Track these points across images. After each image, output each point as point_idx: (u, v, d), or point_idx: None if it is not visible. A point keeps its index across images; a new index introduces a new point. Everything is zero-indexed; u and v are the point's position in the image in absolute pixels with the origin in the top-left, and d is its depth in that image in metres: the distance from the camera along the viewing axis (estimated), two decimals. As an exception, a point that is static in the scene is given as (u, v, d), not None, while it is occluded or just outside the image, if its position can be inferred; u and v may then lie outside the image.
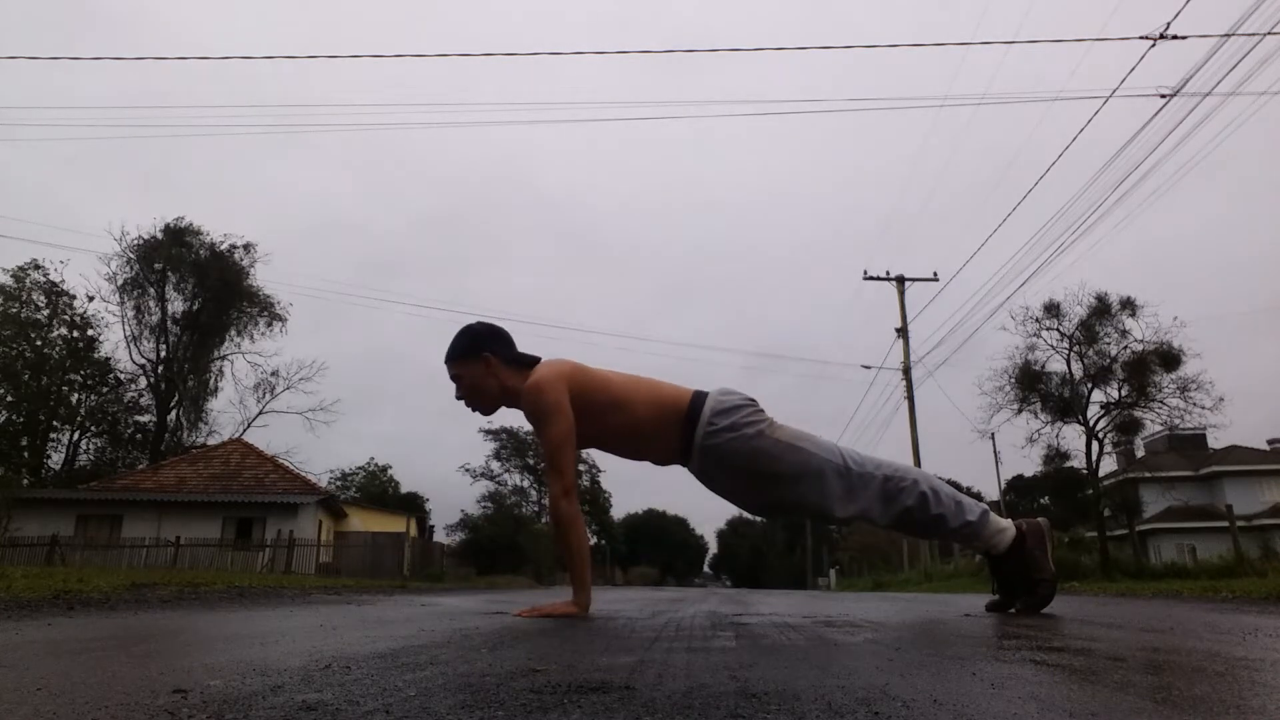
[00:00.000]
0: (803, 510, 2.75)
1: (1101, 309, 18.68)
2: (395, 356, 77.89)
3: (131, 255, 31.48)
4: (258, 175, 77.19)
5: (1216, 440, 24.49)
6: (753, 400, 2.73)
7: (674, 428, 2.68)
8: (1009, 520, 2.71)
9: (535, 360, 2.78)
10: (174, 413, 32.67)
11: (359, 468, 46.34)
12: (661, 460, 2.82)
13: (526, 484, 49.33)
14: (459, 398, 2.85)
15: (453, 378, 2.82)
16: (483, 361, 2.74)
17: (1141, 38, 10.59)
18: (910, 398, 23.76)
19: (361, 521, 28.04)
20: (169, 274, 32.10)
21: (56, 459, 31.93)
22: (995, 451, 35.96)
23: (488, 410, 2.86)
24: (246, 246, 33.14)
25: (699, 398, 2.70)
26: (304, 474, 28.35)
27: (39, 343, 30.74)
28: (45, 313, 31.29)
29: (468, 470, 47.74)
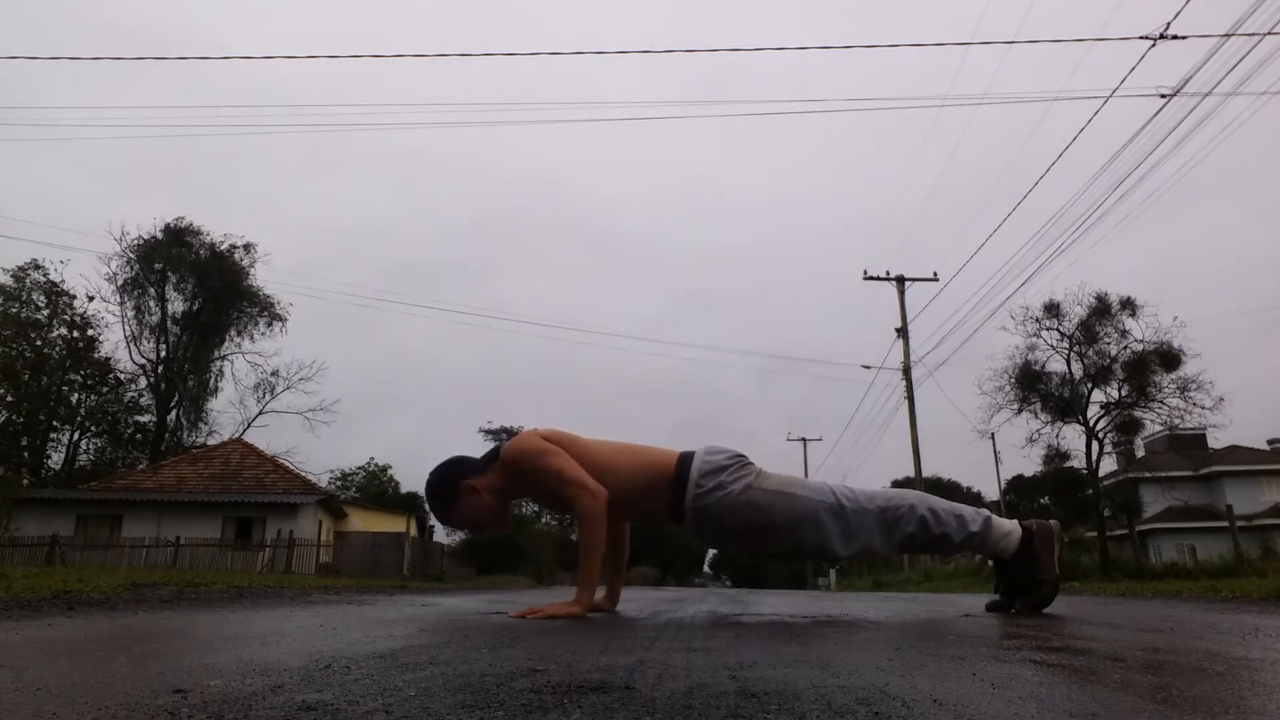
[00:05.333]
0: (804, 554, 2.77)
1: (1101, 309, 18.69)
2: (400, 359, 77.94)
3: (131, 255, 31.53)
4: (284, 182, 77.30)
5: (1216, 440, 24.46)
6: (740, 455, 2.74)
7: (662, 491, 2.70)
8: (1014, 522, 2.71)
9: (494, 452, 2.82)
10: (174, 413, 32.69)
11: (359, 468, 46.36)
12: (654, 521, 2.86)
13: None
14: (479, 532, 2.89)
15: (460, 526, 2.86)
16: (466, 490, 2.75)
17: (1141, 38, 10.60)
18: (910, 398, 23.76)
19: (361, 521, 28.03)
20: (169, 274, 32.12)
21: (56, 459, 31.99)
22: (995, 451, 36.07)
23: (505, 521, 2.87)
24: (246, 246, 33.22)
25: (685, 460, 2.71)
26: (304, 474, 28.35)
27: (39, 343, 30.75)
28: (45, 313, 31.31)
29: (468, 470, 47.61)
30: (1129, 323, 18.53)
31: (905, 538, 2.65)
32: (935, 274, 24.36)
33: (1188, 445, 31.47)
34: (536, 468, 2.67)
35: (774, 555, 2.84)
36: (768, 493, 2.63)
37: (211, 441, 31.51)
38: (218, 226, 32.69)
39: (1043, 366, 19.55)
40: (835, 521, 2.62)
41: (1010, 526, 2.69)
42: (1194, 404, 17.77)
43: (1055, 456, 19.58)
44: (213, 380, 33.50)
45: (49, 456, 31.76)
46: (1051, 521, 2.71)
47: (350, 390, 75.30)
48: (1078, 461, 19.37)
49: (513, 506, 2.84)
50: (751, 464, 2.73)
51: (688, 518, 2.68)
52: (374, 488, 44.07)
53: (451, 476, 2.78)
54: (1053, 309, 19.22)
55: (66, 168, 63.13)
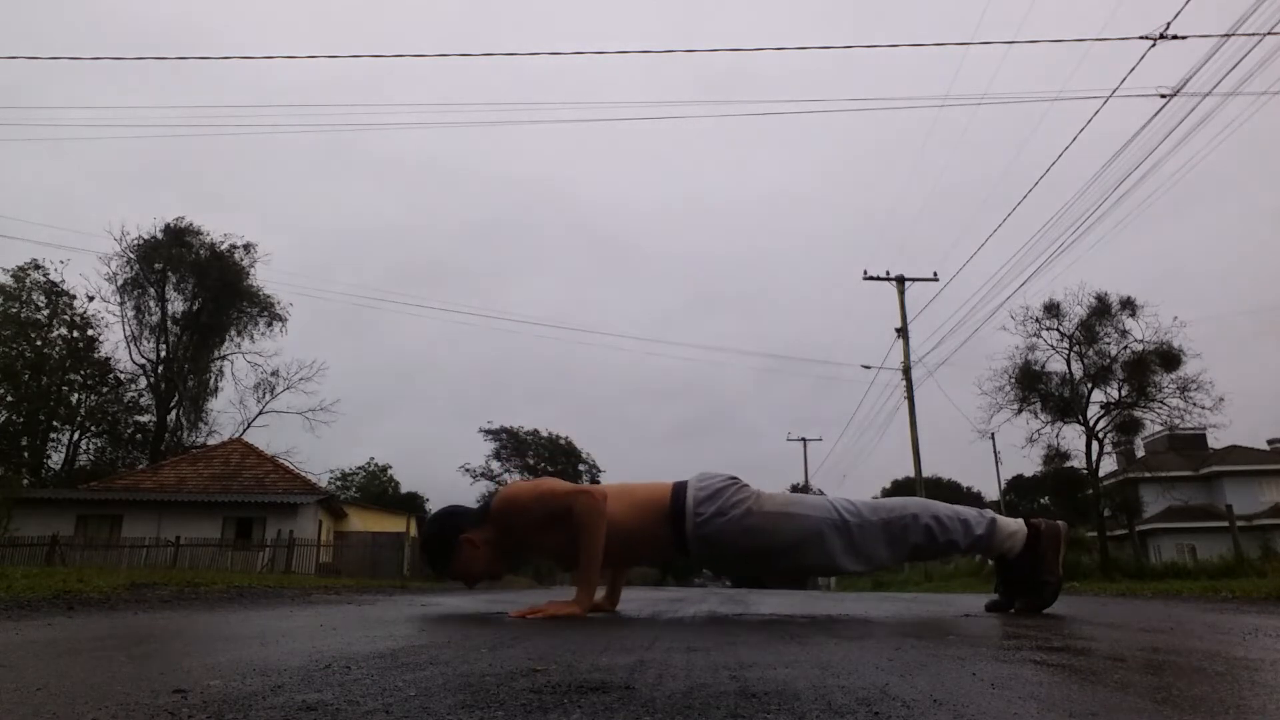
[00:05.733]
0: (811, 571, 2.76)
1: (1101, 309, 18.71)
2: (402, 360, 77.91)
3: (131, 255, 31.53)
4: (289, 184, 77.46)
5: (1216, 440, 24.46)
6: (734, 478, 2.73)
7: (662, 526, 2.67)
8: (1019, 521, 2.70)
9: (486, 505, 2.81)
10: (174, 413, 32.69)
11: (359, 468, 46.43)
12: (659, 558, 2.85)
13: (526, 484, 49.20)
14: (472, 586, 2.89)
15: (457, 579, 2.85)
16: (463, 544, 2.74)
17: (1141, 38, 10.60)
18: (910, 398, 23.75)
19: (361, 521, 28.03)
20: (169, 274, 32.13)
21: (56, 459, 31.98)
22: (995, 451, 36.07)
23: (502, 570, 2.86)
24: (246, 246, 33.24)
25: (679, 490, 2.69)
26: (304, 474, 28.34)
27: (39, 343, 30.74)
28: (45, 313, 31.30)
29: (468, 470, 47.77)
30: (1129, 323, 18.57)
31: (912, 548, 2.65)
32: (935, 274, 24.37)
33: (1188, 445, 31.47)
34: (530, 502, 2.66)
35: (782, 574, 2.83)
36: (769, 515, 2.62)
37: (211, 441, 31.52)
38: (222, 228, 33.03)
39: (1043, 366, 19.58)
40: (839, 537, 2.61)
41: (1015, 526, 2.67)
42: (1194, 404, 17.80)
43: (1055, 456, 19.60)
44: (213, 380, 33.54)
45: (49, 456, 31.79)
46: (1059, 522, 2.70)
47: (352, 390, 75.37)
48: (1078, 461, 19.40)
49: (508, 557, 2.81)
50: (747, 486, 2.72)
51: (691, 548, 2.66)
52: (374, 488, 44.12)
53: (449, 528, 2.77)
54: (1053, 309, 19.24)
55: (70, 168, 63.17)
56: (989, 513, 2.72)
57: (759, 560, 2.70)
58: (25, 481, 28.07)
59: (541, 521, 2.67)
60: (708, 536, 2.62)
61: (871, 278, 25.00)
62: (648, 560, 2.90)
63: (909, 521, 2.63)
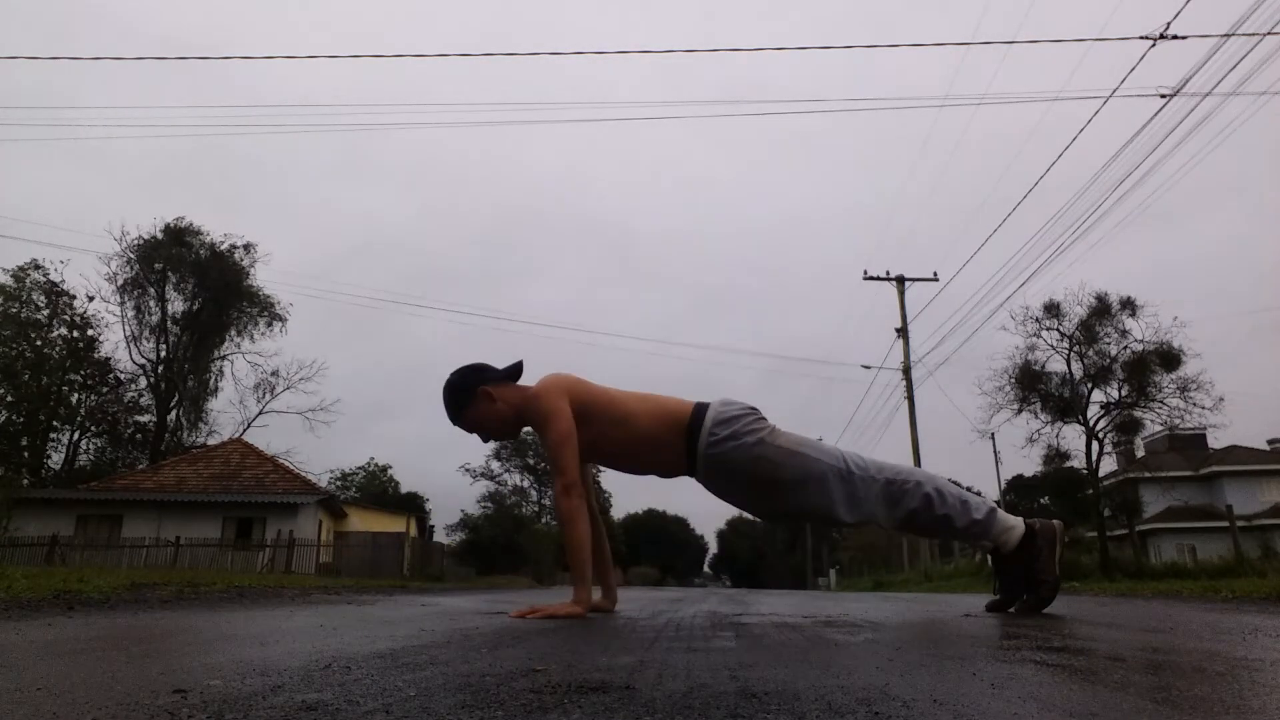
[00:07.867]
0: (808, 516, 2.77)
1: (1101, 309, 18.68)
2: (404, 361, 77.97)
3: (132, 255, 31.51)
4: (296, 186, 77.66)
5: (1216, 440, 24.47)
6: (754, 409, 2.75)
7: (677, 439, 2.71)
8: (1019, 518, 2.71)
9: (517, 367, 2.83)
10: (174, 413, 32.68)
11: (359, 468, 46.41)
12: (666, 472, 2.86)
13: (526, 484, 49.37)
14: (486, 440, 2.90)
15: (469, 430, 2.85)
16: (483, 397, 2.77)
17: (1141, 38, 10.59)
18: (910, 398, 23.74)
19: (361, 521, 28.04)
20: (169, 274, 32.11)
21: (56, 459, 31.95)
22: (995, 451, 35.98)
23: (516, 434, 2.89)
24: (246, 246, 33.22)
25: (700, 409, 2.73)
26: (304, 474, 28.34)
27: (39, 343, 30.72)
28: (45, 313, 31.28)
29: (468, 470, 47.80)
30: (1129, 323, 18.52)
31: (908, 513, 2.65)
32: (935, 274, 24.36)
33: (1188, 445, 31.46)
34: (539, 426, 2.70)
35: (779, 515, 2.83)
36: (780, 449, 2.64)
37: (211, 441, 31.53)
38: (233, 230, 33.11)
39: (1043, 366, 19.54)
40: (842, 486, 2.63)
41: (1014, 522, 2.69)
42: (1194, 404, 17.76)
43: (1055, 456, 19.57)
44: (213, 380, 33.52)
45: (49, 456, 31.76)
46: (1054, 521, 2.71)
47: (354, 391, 75.45)
48: (1078, 461, 19.36)
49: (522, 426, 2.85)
50: (765, 419, 2.74)
51: (699, 465, 2.70)
52: (374, 488, 44.10)
53: (471, 379, 2.79)
54: (1053, 309, 19.21)
55: (76, 169, 63.23)
56: (991, 503, 2.74)
57: (760, 490, 2.70)
58: (25, 481, 28.05)
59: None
60: (716, 457, 2.65)
61: (872, 278, 24.98)
62: (656, 470, 2.86)
63: (911, 486, 2.65)
